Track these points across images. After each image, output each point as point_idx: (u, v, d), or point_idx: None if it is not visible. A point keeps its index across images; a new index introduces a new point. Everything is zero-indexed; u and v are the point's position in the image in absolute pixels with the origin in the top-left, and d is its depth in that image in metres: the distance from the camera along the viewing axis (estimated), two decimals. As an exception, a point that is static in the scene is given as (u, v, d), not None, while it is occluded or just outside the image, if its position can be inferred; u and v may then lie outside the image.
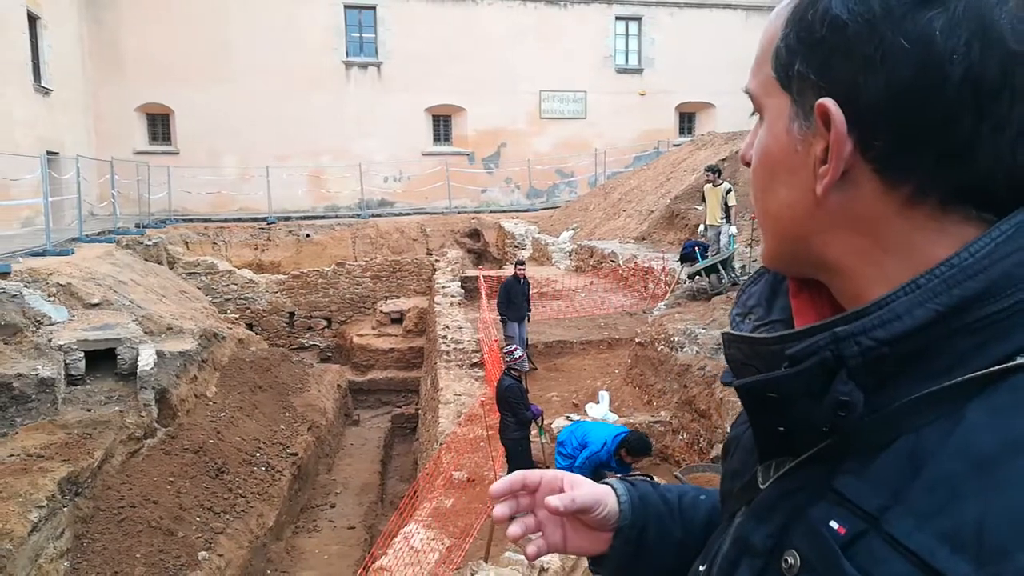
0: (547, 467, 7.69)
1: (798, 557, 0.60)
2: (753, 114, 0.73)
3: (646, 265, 14.15)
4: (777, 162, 0.68)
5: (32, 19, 17.69)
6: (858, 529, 0.56)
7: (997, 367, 0.56)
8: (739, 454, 0.80)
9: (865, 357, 0.59)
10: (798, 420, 0.63)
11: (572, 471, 5.67)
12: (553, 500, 0.87)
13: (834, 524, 0.58)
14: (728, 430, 0.90)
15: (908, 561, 0.52)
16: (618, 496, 0.94)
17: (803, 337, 0.62)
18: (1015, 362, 0.56)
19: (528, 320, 11.37)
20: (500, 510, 0.90)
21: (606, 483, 0.95)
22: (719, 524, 0.86)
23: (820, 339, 0.60)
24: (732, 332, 0.74)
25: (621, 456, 6.53)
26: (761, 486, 0.70)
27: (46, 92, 18.41)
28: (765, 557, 0.65)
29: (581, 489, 0.91)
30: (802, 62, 0.64)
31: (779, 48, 0.66)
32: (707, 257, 10.65)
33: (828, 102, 0.61)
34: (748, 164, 0.75)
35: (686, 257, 11.20)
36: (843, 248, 0.65)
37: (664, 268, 13.35)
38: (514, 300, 11.03)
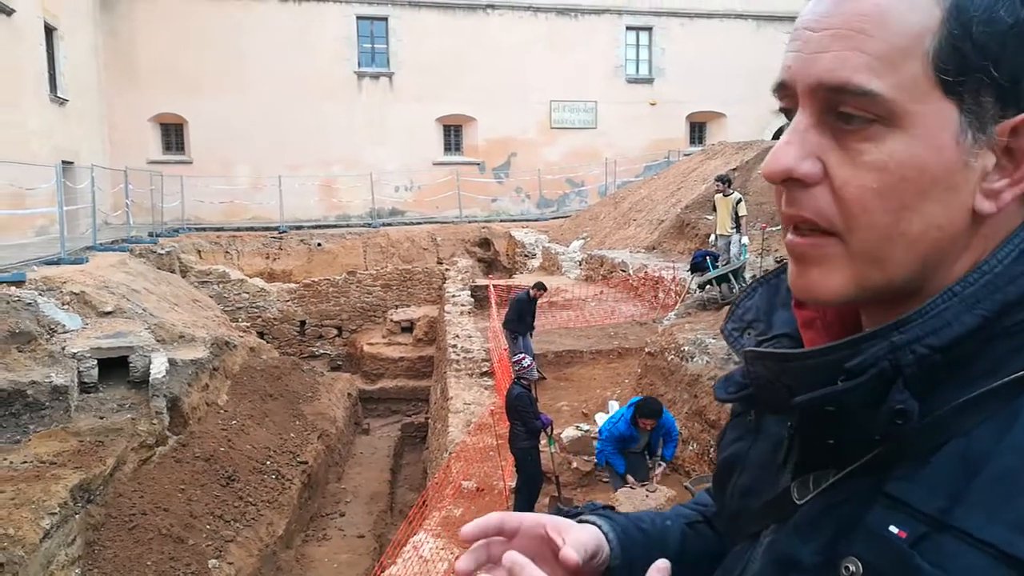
0: (557, 476, 7.69)
1: (860, 564, 0.59)
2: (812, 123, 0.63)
3: (656, 275, 14.13)
4: (935, 179, 0.59)
5: (49, 30, 17.92)
6: (919, 532, 0.56)
7: None
8: (750, 471, 0.79)
9: (920, 365, 0.59)
10: (854, 431, 0.63)
11: (602, 447, 5.80)
12: (571, 553, 0.74)
13: (894, 528, 0.58)
14: (718, 449, 0.88)
15: (984, 553, 0.53)
16: (605, 534, 0.84)
17: (846, 349, 0.62)
18: None
19: (531, 334, 11.36)
20: (463, 564, 0.74)
21: (585, 520, 0.84)
22: (693, 548, 0.86)
23: (879, 349, 0.60)
24: (758, 349, 0.72)
25: (637, 422, 6.68)
26: (798, 501, 0.68)
27: (62, 102, 18.62)
28: (815, 573, 0.64)
29: (575, 533, 0.79)
30: (995, 66, 0.57)
31: (944, 47, 0.58)
32: (718, 267, 10.63)
33: None
34: (801, 181, 0.64)
35: (696, 267, 11.18)
36: (960, 267, 0.62)
37: (674, 278, 13.32)
38: (524, 319, 11.02)
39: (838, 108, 0.61)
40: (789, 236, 0.67)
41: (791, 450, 0.73)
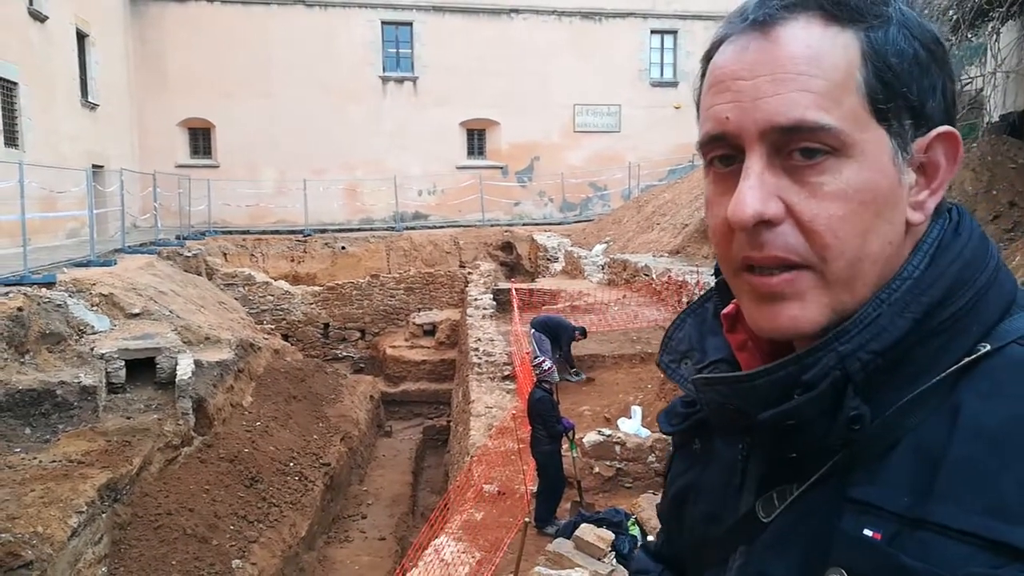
0: (579, 481, 7.65)
1: (844, 573, 0.60)
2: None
3: (680, 279, 14.02)
4: (886, 198, 0.65)
5: (81, 36, 18.26)
6: (892, 531, 0.58)
7: (968, 359, 0.62)
8: (707, 498, 0.80)
9: (866, 370, 0.63)
10: (814, 442, 0.65)
11: None
12: None
13: (868, 532, 0.59)
14: (667, 482, 0.90)
15: (963, 543, 0.55)
16: None
17: (793, 365, 0.65)
18: (980, 352, 0.62)
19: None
20: None
21: None
22: None
23: (828, 360, 0.63)
24: (708, 376, 0.75)
25: None
26: (764, 520, 0.70)
27: (93, 107, 18.95)
28: None
29: None
30: (910, 91, 0.65)
31: (872, 78, 0.65)
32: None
33: (953, 129, 0.67)
34: (769, 221, 0.65)
35: (721, 272, 11.09)
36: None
37: (699, 282, 13.21)
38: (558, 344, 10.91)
39: (789, 147, 0.65)
40: (755, 279, 0.68)
41: (747, 471, 0.75)
